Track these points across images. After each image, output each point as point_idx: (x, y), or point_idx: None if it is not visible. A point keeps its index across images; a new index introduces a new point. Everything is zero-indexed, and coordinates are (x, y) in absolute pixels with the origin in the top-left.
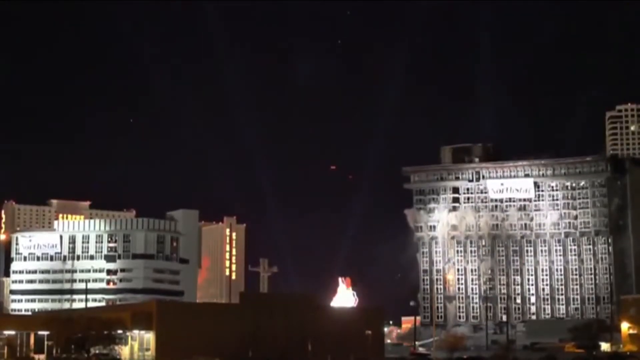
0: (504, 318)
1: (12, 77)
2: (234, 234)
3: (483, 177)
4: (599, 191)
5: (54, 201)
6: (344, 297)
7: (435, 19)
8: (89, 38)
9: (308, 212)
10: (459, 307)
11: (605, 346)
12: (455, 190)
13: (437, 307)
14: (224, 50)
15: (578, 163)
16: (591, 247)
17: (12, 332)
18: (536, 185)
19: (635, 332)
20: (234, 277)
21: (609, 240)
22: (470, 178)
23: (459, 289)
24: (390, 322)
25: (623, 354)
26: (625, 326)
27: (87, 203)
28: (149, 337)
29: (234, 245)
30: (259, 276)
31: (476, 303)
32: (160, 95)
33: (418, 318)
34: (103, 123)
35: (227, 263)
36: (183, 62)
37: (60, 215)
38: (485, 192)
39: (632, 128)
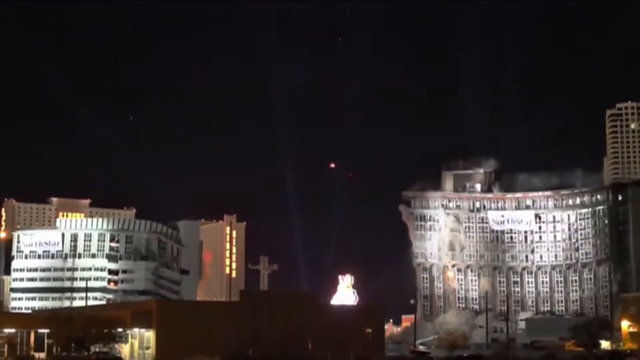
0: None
1: (11, 76)
2: (234, 232)
3: (484, 207)
4: (601, 221)
5: (54, 199)
6: (345, 295)
7: (432, 23)
8: (89, 37)
9: (308, 210)
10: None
11: (605, 344)
12: (456, 218)
13: (436, 304)
14: (224, 50)
15: (579, 194)
16: (592, 276)
17: (12, 331)
18: (537, 216)
19: (635, 330)
20: (234, 275)
21: (610, 267)
22: (471, 208)
23: (458, 315)
24: (391, 321)
25: (623, 352)
26: (625, 324)
27: (87, 201)
28: (149, 335)
29: (234, 243)
30: (259, 274)
31: (476, 304)
32: (160, 95)
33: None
34: (103, 122)
35: (227, 261)
36: (182, 62)
37: (61, 214)
38: (486, 222)
39: (632, 126)
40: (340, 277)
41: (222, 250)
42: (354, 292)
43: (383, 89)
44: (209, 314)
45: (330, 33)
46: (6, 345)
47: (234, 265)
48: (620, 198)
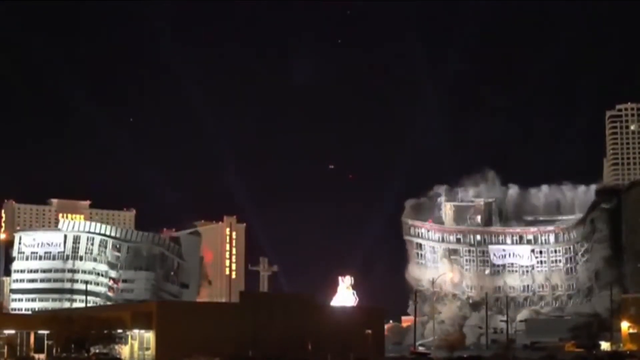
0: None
1: (11, 76)
2: (234, 233)
3: (484, 241)
4: (600, 244)
5: (54, 200)
6: (344, 296)
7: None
8: (89, 37)
9: (308, 211)
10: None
11: (605, 345)
12: (455, 252)
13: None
14: (224, 49)
15: (579, 225)
16: (592, 297)
17: (12, 332)
18: (539, 251)
19: (635, 331)
20: (234, 276)
21: (608, 271)
22: (472, 242)
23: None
24: (390, 321)
25: (623, 353)
26: (625, 325)
27: (87, 202)
28: (149, 336)
29: (234, 244)
30: (259, 275)
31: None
32: (159, 95)
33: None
34: (103, 122)
35: (227, 262)
36: (182, 62)
37: (60, 215)
38: (487, 256)
39: (632, 127)
40: (340, 278)
41: (222, 252)
42: (353, 294)
43: (380, 90)
44: (209, 315)
45: (331, 34)
46: (6, 346)
47: (233, 266)
48: (615, 203)
